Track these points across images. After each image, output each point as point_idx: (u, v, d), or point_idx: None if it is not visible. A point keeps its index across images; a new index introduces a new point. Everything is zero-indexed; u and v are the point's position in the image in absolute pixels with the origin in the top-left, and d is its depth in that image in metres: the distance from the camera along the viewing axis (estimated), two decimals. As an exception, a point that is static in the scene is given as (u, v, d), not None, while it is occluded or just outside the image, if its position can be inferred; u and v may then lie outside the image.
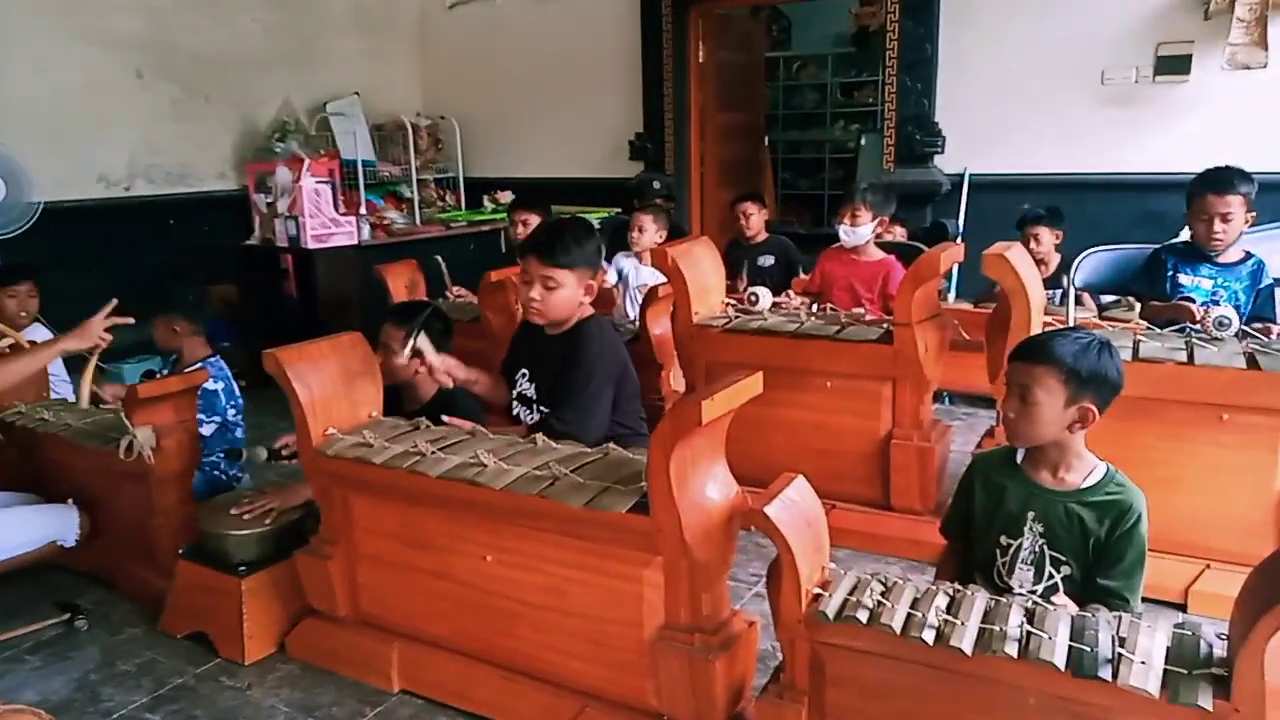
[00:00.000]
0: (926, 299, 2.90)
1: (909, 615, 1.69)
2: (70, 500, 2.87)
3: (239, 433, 3.38)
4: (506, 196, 6.70)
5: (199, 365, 3.23)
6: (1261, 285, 3.13)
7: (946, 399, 4.56)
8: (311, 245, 4.59)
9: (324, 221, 4.61)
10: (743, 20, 6.99)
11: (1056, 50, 5.23)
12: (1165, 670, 1.50)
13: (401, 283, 4.36)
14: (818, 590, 1.78)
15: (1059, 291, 4.39)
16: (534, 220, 4.23)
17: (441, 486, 2.09)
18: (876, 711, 1.76)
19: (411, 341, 2.55)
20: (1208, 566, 2.61)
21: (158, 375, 3.60)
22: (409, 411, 2.63)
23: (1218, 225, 3.15)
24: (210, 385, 3.18)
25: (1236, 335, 2.67)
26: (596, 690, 2.08)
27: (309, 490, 2.58)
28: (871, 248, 3.69)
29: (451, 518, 2.17)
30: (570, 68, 6.64)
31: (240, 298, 5.30)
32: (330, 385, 2.34)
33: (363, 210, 5.33)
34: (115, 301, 2.71)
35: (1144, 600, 2.09)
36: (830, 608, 1.73)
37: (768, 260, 4.84)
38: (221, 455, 3.25)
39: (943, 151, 5.63)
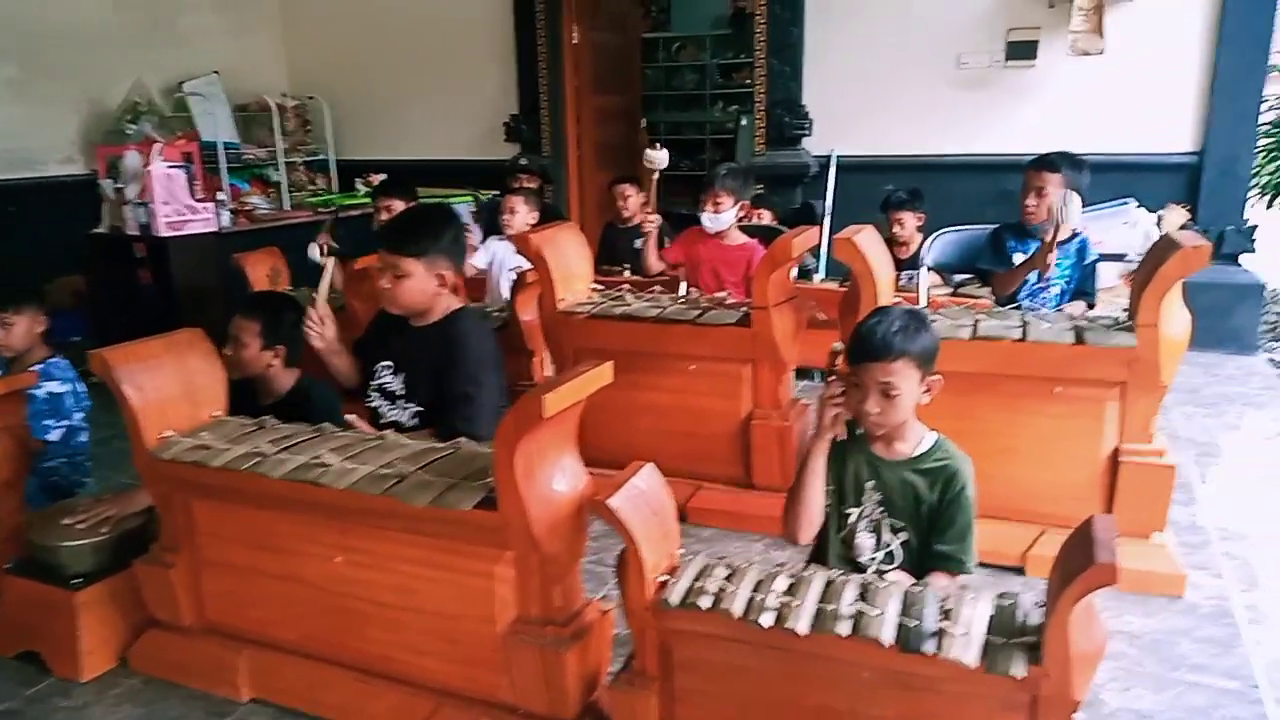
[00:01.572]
0: (781, 283, 2.96)
1: (750, 599, 1.73)
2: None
3: (83, 437, 3.19)
4: (379, 179, 6.52)
5: (39, 366, 3.03)
6: (1086, 261, 3.32)
7: (816, 376, 4.67)
8: (165, 233, 4.35)
9: (178, 208, 4.37)
10: (617, 1, 6.95)
11: (915, 35, 5.40)
12: (986, 640, 1.57)
13: (262, 271, 4.17)
14: (664, 577, 1.80)
15: (917, 271, 4.58)
16: (398, 206, 4.11)
17: (285, 488, 2.02)
18: (723, 693, 1.79)
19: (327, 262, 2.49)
20: (1043, 532, 2.75)
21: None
22: (263, 406, 2.54)
23: (1030, 199, 3.36)
24: (57, 388, 3.00)
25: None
26: (450, 688, 2.05)
27: (150, 496, 2.47)
28: (735, 232, 3.74)
29: (298, 520, 2.11)
30: (444, 47, 6.49)
31: (89, 289, 5.00)
32: (166, 386, 2.23)
33: (222, 196, 5.08)
34: None
35: (984, 565, 2.20)
36: (674, 595, 1.75)
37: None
38: (64, 461, 3.07)
39: (810, 134, 5.76)
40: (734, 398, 3.07)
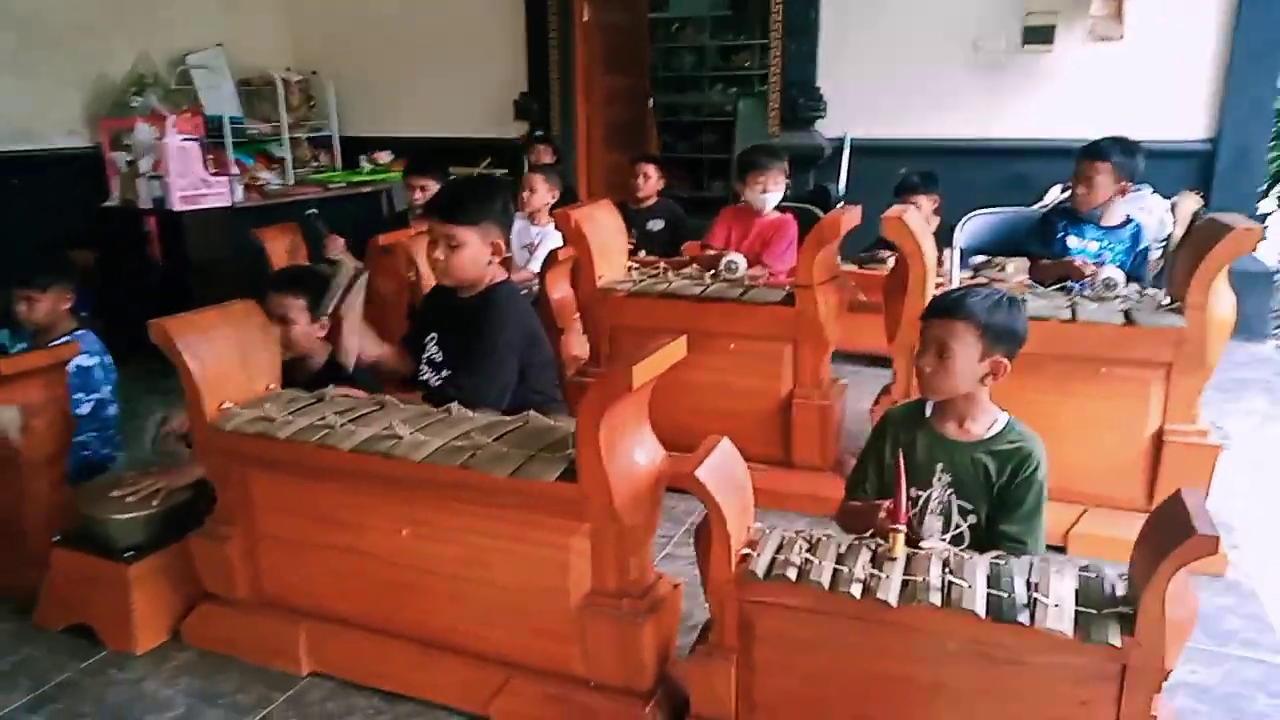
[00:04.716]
0: (827, 261, 2.96)
1: (835, 570, 1.74)
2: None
3: (112, 409, 3.15)
4: (385, 156, 6.48)
5: (66, 339, 2.98)
6: (1139, 248, 3.34)
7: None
8: (179, 207, 4.28)
9: (193, 182, 4.30)
10: (627, -20, 6.91)
11: (931, 18, 5.40)
12: (1076, 611, 1.59)
13: (281, 247, 4.14)
14: (745, 550, 1.81)
15: (953, 251, 4.59)
16: (432, 185, 4.06)
17: (354, 460, 2.01)
18: (803, 665, 1.80)
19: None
20: (1085, 511, 2.78)
21: (11, 352, 3.29)
22: (299, 383, 2.51)
23: (1080, 187, 3.38)
24: (85, 361, 2.95)
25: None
26: (520, 660, 2.05)
27: (199, 469, 2.44)
28: (769, 209, 3.74)
29: (363, 491, 2.09)
30: (451, 24, 6.41)
31: (97, 264, 4.92)
32: (223, 357, 2.20)
33: (234, 170, 5.01)
34: None
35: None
36: (759, 567, 1.76)
37: (657, 224, 4.83)
38: (94, 435, 3.03)
39: (825, 116, 5.74)
40: (775, 377, 3.07)
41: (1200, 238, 2.66)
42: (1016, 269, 4.12)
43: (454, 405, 2.17)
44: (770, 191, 3.65)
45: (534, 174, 4.17)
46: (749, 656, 1.83)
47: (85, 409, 3.01)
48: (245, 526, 2.26)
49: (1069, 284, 3.02)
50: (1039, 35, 5.21)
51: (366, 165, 6.40)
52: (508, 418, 2.11)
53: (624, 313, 3.16)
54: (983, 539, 1.99)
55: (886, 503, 1.85)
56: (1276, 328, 5.38)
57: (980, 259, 4.39)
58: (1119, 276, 2.90)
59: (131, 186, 4.42)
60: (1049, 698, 1.63)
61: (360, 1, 6.63)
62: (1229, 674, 2.20)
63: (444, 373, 2.48)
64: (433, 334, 2.52)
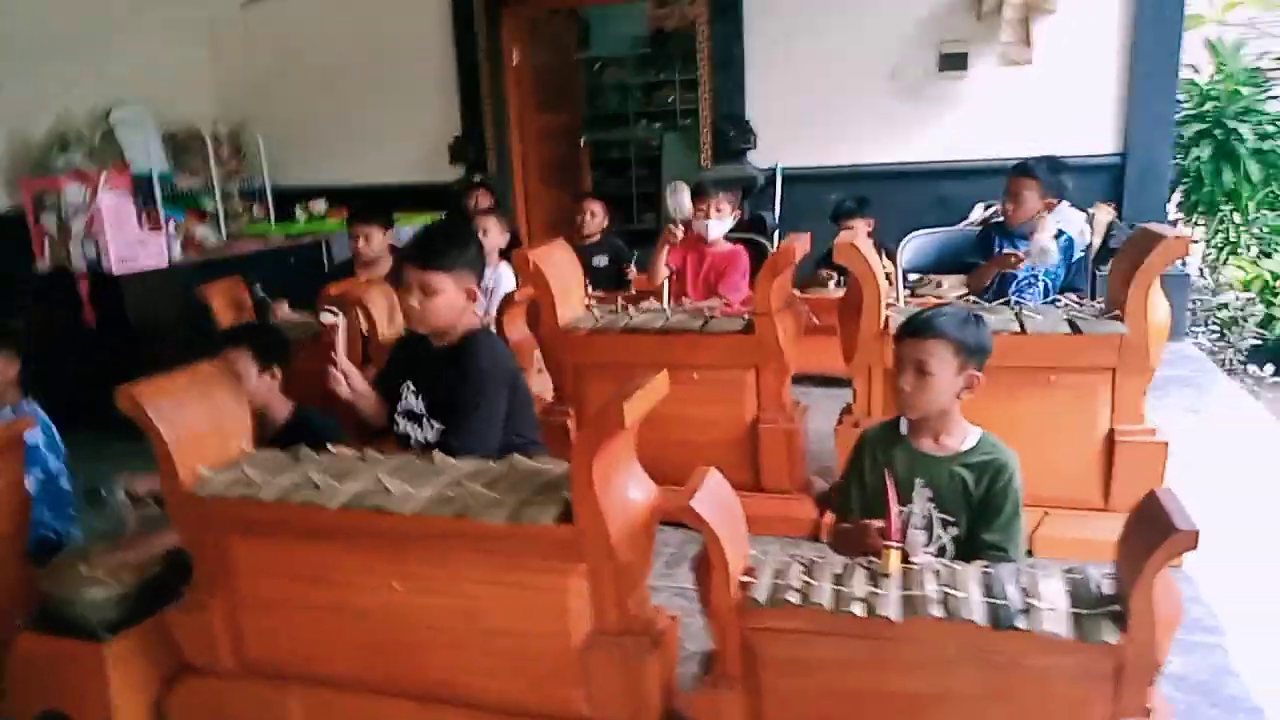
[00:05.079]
0: (783, 288, 3.04)
1: (835, 591, 1.78)
2: None
3: (63, 481, 3.04)
4: (319, 205, 6.40)
5: (10, 412, 2.88)
6: (1073, 259, 3.52)
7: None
8: (116, 270, 4.16)
9: (129, 241, 4.20)
10: (552, 21, 7.00)
11: (851, 50, 5.62)
12: (1070, 613, 1.66)
13: (226, 303, 4.07)
14: (744, 578, 1.84)
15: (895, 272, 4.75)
16: (376, 234, 4.06)
17: (343, 518, 1.98)
18: (810, 687, 1.83)
19: (334, 318, 2.43)
20: (1046, 514, 2.89)
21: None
22: (267, 440, 2.48)
23: (1009, 203, 3.59)
24: (30, 437, 2.84)
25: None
26: (520, 707, 2.03)
27: (168, 539, 2.38)
28: (721, 239, 3.82)
29: (352, 548, 2.06)
30: (380, 71, 6.41)
31: (27, 333, 4.74)
32: (195, 421, 2.15)
33: (170, 227, 4.90)
34: None
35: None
36: (761, 593, 1.80)
37: (602, 260, 4.89)
38: (49, 511, 2.92)
39: (755, 147, 5.90)
40: (739, 404, 3.13)
41: (1132, 248, 2.81)
42: (951, 286, 4.31)
43: (436, 453, 2.16)
44: (713, 219, 3.73)
45: (485, 216, 4.19)
46: (755, 683, 1.86)
47: (31, 485, 2.90)
48: (226, 593, 2.19)
49: (1009, 282, 3.18)
50: (953, 62, 5.47)
51: (302, 215, 6.31)
52: (492, 464, 2.12)
53: (587, 351, 3.19)
54: (965, 549, 2.07)
55: (878, 523, 1.91)
56: (1193, 326, 5.69)
57: (915, 277, 4.56)
58: (1051, 245, 3.10)
59: (63, 249, 4.29)
60: (1047, 698, 1.70)
61: (287, 51, 6.57)
62: (1200, 661, 2.30)
63: (428, 423, 2.47)
64: (407, 382, 2.51)
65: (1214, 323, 5.94)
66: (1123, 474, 2.79)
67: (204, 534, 2.18)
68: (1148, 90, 5.15)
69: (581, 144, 7.93)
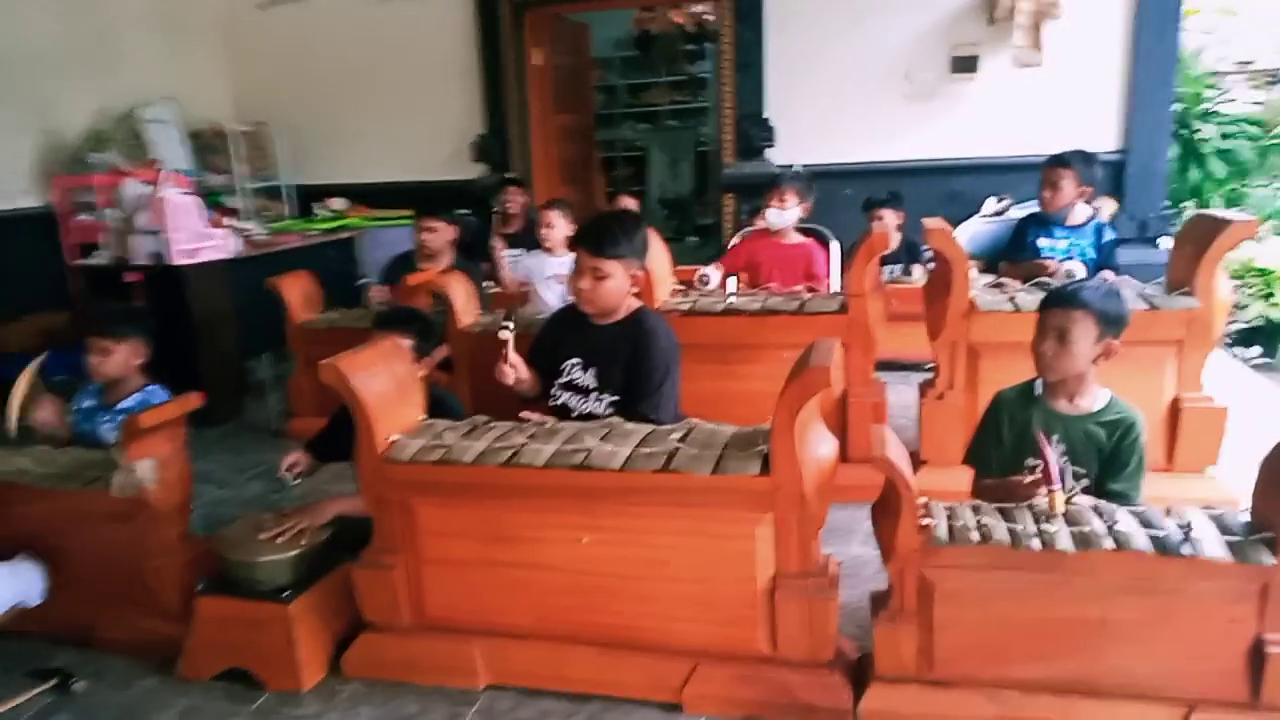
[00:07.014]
0: (873, 272, 3.26)
1: (1011, 530, 2.00)
2: (20, 555, 2.57)
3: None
4: (339, 203, 6.46)
5: (138, 394, 2.95)
6: (1104, 241, 3.81)
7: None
8: (180, 261, 4.22)
9: (192, 235, 4.25)
10: (567, 23, 7.16)
11: (867, 53, 5.88)
12: (1226, 540, 1.90)
13: (297, 294, 4.18)
14: (925, 520, 2.04)
15: (899, 266, 5.01)
16: (441, 227, 4.20)
17: (546, 476, 2.13)
18: (981, 618, 2.04)
19: (509, 334, 2.58)
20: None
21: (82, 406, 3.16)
22: None
23: (1046, 191, 3.86)
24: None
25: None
26: (705, 647, 2.21)
27: (334, 506, 2.51)
28: (792, 231, 4.02)
29: (542, 506, 2.21)
30: (400, 70, 6.50)
31: (74, 325, 4.76)
32: (386, 392, 2.29)
33: (233, 223, 4.95)
34: None
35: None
36: (942, 533, 2.01)
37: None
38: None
39: (774, 145, 6.13)
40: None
41: (1193, 232, 3.09)
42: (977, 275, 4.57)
43: (613, 419, 2.33)
44: (786, 209, 3.91)
45: (550, 209, 4.32)
46: (928, 617, 2.07)
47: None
48: (409, 554, 2.33)
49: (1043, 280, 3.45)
50: (964, 65, 5.76)
51: (320, 213, 6.36)
52: (666, 425, 2.29)
53: (682, 331, 3.35)
54: (1094, 498, 2.29)
55: (1030, 475, 2.13)
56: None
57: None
58: (1079, 270, 3.38)
59: (122, 243, 4.32)
60: (1204, 619, 1.92)
61: (306, 52, 6.62)
62: None
63: (599, 396, 2.62)
64: (574, 359, 2.66)
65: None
66: (1186, 437, 3.05)
67: (388, 497, 2.31)
68: (1148, 92, 5.50)
69: (595, 143, 8.07)
